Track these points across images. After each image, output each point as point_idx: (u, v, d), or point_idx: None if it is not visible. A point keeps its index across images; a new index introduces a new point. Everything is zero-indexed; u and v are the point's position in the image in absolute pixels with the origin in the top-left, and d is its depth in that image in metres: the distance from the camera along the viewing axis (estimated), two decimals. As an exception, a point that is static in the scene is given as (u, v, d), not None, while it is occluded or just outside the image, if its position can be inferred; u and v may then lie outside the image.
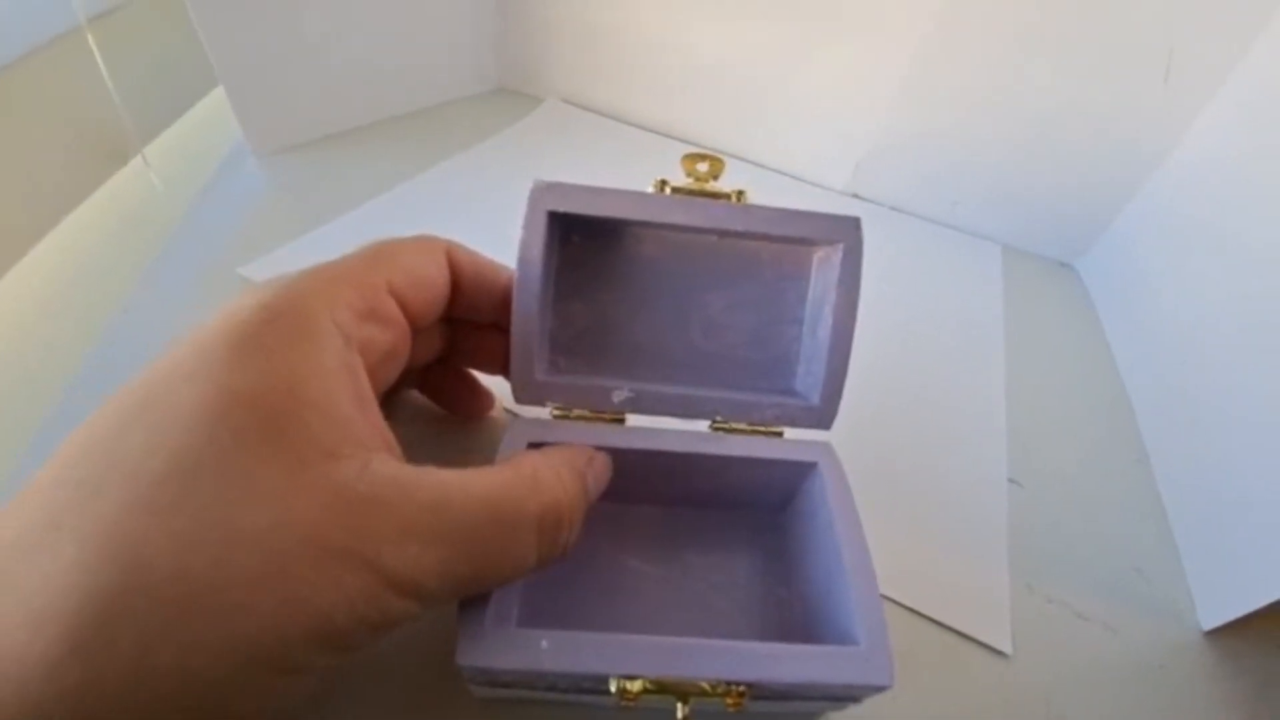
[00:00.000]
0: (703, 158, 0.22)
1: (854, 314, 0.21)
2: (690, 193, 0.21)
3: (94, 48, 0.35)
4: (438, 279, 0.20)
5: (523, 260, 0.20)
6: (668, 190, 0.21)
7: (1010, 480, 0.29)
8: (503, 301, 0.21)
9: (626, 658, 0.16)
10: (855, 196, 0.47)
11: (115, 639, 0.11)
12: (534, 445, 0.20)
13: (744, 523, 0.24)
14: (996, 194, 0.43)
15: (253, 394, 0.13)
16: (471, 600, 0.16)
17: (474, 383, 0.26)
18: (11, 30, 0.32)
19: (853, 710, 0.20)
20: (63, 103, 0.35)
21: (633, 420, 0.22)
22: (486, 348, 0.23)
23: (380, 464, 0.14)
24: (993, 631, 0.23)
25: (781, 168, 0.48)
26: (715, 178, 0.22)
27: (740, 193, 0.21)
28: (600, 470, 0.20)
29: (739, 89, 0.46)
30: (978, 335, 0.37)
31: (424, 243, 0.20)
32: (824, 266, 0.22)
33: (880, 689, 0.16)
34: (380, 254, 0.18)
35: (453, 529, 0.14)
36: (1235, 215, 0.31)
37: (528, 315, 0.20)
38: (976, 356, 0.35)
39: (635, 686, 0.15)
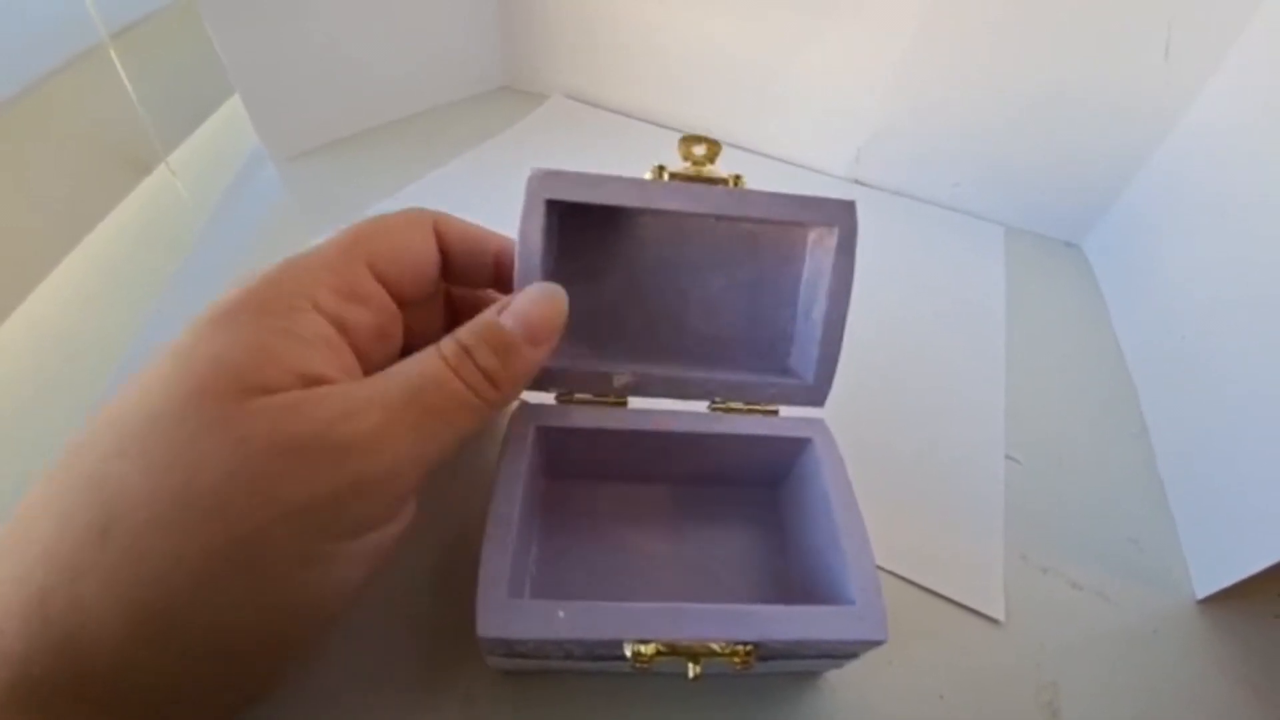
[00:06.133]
0: (699, 140, 0.21)
1: (848, 295, 0.22)
2: (687, 178, 0.21)
3: (116, 62, 0.37)
4: (423, 253, 0.20)
5: (523, 248, 0.20)
6: (665, 176, 0.21)
7: (1007, 456, 0.29)
8: (495, 268, 0.22)
9: (640, 623, 0.16)
10: (857, 182, 0.47)
11: (100, 558, 0.13)
12: (540, 429, 0.21)
13: (744, 498, 0.24)
14: (998, 175, 0.43)
15: (217, 355, 0.15)
16: (486, 577, 0.17)
17: None
18: (38, 48, 0.34)
19: (851, 672, 0.21)
20: (89, 116, 0.36)
21: (634, 403, 0.23)
22: None
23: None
24: (986, 600, 0.24)
25: (784, 155, 0.49)
26: (712, 161, 0.22)
27: (737, 177, 0.21)
28: (539, 314, 0.19)
29: (741, 78, 0.46)
30: (978, 316, 0.37)
31: (409, 217, 0.20)
32: (819, 249, 0.22)
33: (876, 643, 0.17)
34: (360, 235, 0.19)
35: (387, 396, 0.16)
36: (1240, 189, 0.31)
37: (531, 303, 0.21)
38: (977, 337, 0.36)
39: (649, 650, 0.16)
